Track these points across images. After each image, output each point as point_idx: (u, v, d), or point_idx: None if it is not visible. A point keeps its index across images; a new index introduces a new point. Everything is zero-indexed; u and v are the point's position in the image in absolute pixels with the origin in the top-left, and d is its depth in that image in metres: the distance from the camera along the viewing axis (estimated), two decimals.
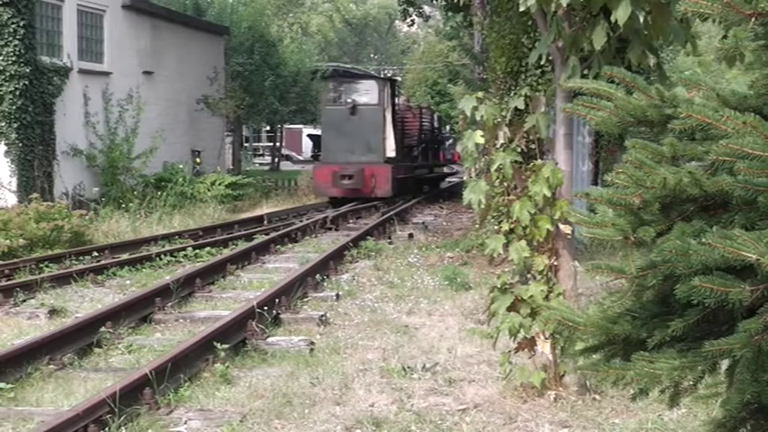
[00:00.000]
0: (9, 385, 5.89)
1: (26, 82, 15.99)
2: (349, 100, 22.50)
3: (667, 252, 2.50)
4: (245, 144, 44.59)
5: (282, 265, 11.72)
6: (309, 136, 40.91)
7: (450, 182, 31.09)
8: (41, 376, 6.28)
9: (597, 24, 5.07)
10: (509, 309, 5.44)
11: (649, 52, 5.26)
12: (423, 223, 17.25)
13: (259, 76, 28.33)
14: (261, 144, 52.63)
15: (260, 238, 13.95)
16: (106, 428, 4.92)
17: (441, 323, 7.93)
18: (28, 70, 16.05)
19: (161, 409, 5.38)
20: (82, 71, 18.14)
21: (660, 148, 2.72)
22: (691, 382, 2.72)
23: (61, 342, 6.79)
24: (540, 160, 5.55)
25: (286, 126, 41.30)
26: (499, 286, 5.51)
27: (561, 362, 5.39)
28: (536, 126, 5.51)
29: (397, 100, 24.83)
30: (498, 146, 5.58)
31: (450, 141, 31.82)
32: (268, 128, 45.08)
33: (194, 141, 23.32)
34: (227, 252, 12.57)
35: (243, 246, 13.05)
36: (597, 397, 5.38)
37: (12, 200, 15.62)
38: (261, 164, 43.11)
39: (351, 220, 18.17)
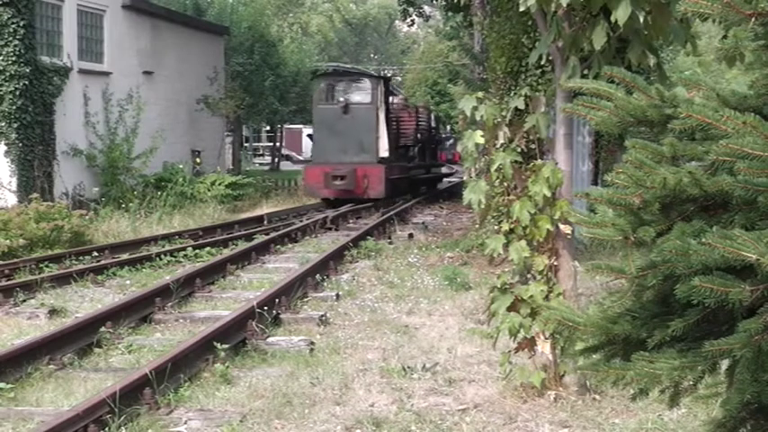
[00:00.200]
0: (9, 385, 5.89)
1: (26, 82, 16.00)
2: (341, 99, 22.05)
3: (667, 252, 2.50)
4: (245, 144, 44.62)
5: (282, 265, 11.72)
6: (309, 136, 40.82)
7: (449, 182, 31.03)
8: (41, 376, 6.27)
9: (597, 24, 5.07)
10: (509, 309, 5.45)
11: (649, 52, 5.26)
12: (423, 223, 17.25)
13: (259, 76, 28.34)
14: (261, 144, 52.66)
15: (260, 238, 13.95)
16: (106, 428, 4.92)
17: (441, 323, 7.92)
18: (28, 70, 16.06)
19: (161, 409, 5.38)
20: (82, 71, 18.14)
21: (660, 148, 2.72)
22: (691, 382, 2.72)
23: (61, 342, 6.79)
24: (540, 160, 5.55)
25: (286, 126, 41.30)
26: (499, 286, 5.51)
27: (561, 362, 5.39)
28: (536, 126, 5.51)
29: (392, 99, 24.53)
30: (498, 146, 5.58)
31: (451, 141, 31.76)
32: (268, 128, 45.13)
33: (194, 141, 23.31)
34: (227, 252, 12.57)
35: (243, 246, 13.05)
36: (597, 397, 5.38)
37: (12, 200, 15.63)
38: (261, 164, 43.17)
39: (351, 220, 18.18)
